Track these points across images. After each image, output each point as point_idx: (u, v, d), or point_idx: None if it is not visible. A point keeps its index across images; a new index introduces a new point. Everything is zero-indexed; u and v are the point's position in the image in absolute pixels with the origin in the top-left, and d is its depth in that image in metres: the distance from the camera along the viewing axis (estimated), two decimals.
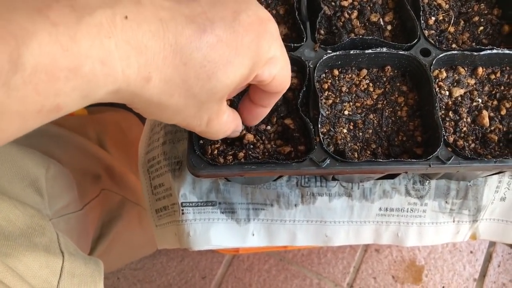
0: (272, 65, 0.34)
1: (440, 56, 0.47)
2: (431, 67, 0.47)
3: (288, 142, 0.45)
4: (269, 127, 0.46)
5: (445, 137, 0.46)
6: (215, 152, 0.44)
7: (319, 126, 0.45)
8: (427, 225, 0.55)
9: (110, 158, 0.84)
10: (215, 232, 0.52)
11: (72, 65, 0.24)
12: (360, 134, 0.46)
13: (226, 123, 0.37)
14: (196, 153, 0.42)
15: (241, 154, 0.44)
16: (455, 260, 0.93)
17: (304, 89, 0.46)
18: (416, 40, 0.48)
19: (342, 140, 0.46)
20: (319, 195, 0.53)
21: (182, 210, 0.52)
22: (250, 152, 0.44)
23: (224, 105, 0.36)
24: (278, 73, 0.34)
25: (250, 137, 0.45)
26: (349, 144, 0.46)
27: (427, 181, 0.54)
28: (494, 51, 0.48)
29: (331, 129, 0.46)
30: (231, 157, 0.44)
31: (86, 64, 0.25)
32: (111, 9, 0.26)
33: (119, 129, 0.92)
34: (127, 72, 0.27)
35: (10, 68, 0.22)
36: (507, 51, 0.48)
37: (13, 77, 0.22)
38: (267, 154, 0.45)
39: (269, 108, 0.41)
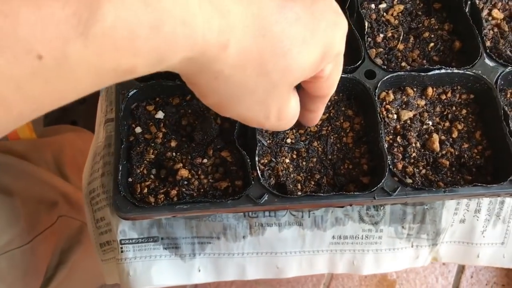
0: (335, 62, 0.33)
1: (386, 78, 0.45)
2: (376, 90, 0.44)
3: (225, 177, 0.42)
4: (205, 160, 0.43)
5: (393, 164, 0.43)
6: (145, 190, 0.41)
7: (259, 157, 0.42)
8: (384, 252, 0.53)
9: (66, 184, 0.81)
10: (157, 270, 0.49)
11: (153, 23, 0.23)
12: (304, 163, 0.44)
13: (296, 111, 0.34)
14: (121, 194, 0.39)
15: (174, 192, 0.41)
16: (427, 272, 0.91)
17: None
18: (360, 62, 0.45)
19: (284, 171, 0.43)
20: (268, 226, 0.50)
21: (121, 247, 0.49)
22: (184, 189, 0.41)
23: (293, 91, 0.33)
24: (334, 72, 0.33)
25: (184, 172, 0.42)
26: (292, 175, 0.43)
27: (382, 207, 0.51)
28: (443, 70, 0.45)
29: (273, 159, 0.43)
30: (162, 195, 0.41)
31: (167, 23, 0.24)
32: None
33: (76, 150, 0.88)
34: (207, 36, 0.25)
35: (89, 17, 0.21)
36: (456, 70, 0.45)
37: (92, 27, 0.21)
38: (202, 190, 0.42)
39: (317, 113, 0.39)
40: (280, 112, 0.33)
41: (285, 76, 0.30)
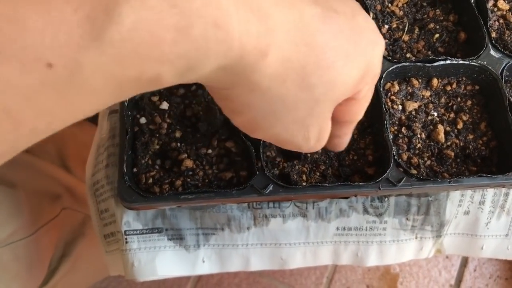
0: (371, 84, 0.30)
1: (391, 68, 0.44)
2: (381, 81, 0.44)
3: (230, 167, 0.42)
4: (210, 151, 0.43)
5: (398, 155, 0.43)
6: (150, 181, 0.41)
7: (263, 148, 0.42)
8: (388, 243, 0.53)
9: (70, 176, 0.81)
10: (161, 261, 0.49)
11: (180, 24, 0.20)
12: (308, 154, 0.44)
13: (326, 132, 0.31)
14: (126, 184, 0.39)
15: (179, 182, 0.41)
16: (430, 266, 0.91)
17: None
18: None
19: (288, 162, 0.43)
20: (272, 217, 0.50)
21: (126, 238, 0.49)
22: (189, 180, 0.41)
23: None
24: (367, 94, 0.31)
25: (188, 163, 0.42)
26: (297, 167, 0.43)
27: (386, 198, 0.51)
28: (448, 61, 0.45)
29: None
30: (167, 185, 0.41)
31: (197, 25, 0.21)
32: None
33: (79, 143, 0.88)
34: (244, 40, 0.23)
35: (105, 19, 0.19)
36: (461, 61, 0.45)
37: (109, 31, 0.19)
38: (207, 180, 0.42)
39: (344, 139, 0.36)
40: (321, 133, 0.30)
41: (329, 92, 0.27)
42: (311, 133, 0.29)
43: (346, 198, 0.49)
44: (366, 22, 0.29)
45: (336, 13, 0.27)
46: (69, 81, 0.19)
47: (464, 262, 0.92)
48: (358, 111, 0.32)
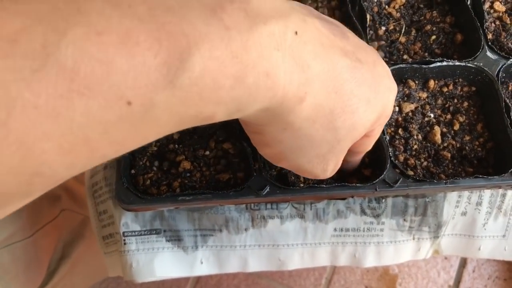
0: (383, 124, 0.34)
1: None
2: None
3: (227, 168, 0.43)
4: (207, 152, 0.43)
5: (395, 156, 0.43)
6: (148, 182, 0.41)
7: None
8: (386, 244, 0.53)
9: (70, 178, 0.81)
10: (160, 262, 0.50)
11: (238, 74, 0.23)
12: None
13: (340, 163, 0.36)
14: (124, 185, 0.39)
15: (176, 184, 0.41)
16: (429, 267, 0.91)
17: None
18: None
19: None
20: (270, 218, 0.50)
21: (124, 240, 0.49)
22: (186, 181, 0.41)
23: None
24: (379, 131, 0.35)
25: (186, 164, 0.42)
26: None
27: (383, 199, 0.51)
28: (445, 63, 0.45)
29: None
30: (165, 187, 0.41)
31: (251, 75, 0.24)
32: (284, 21, 0.26)
33: None
34: (287, 88, 0.26)
35: (179, 66, 0.21)
36: (457, 63, 0.45)
37: (181, 76, 0.22)
38: (204, 182, 0.42)
39: (355, 164, 0.41)
40: (337, 165, 0.34)
41: (351, 133, 0.31)
42: (329, 166, 0.33)
43: (344, 199, 0.50)
44: (384, 69, 0.33)
45: (361, 64, 0.30)
46: (142, 117, 0.22)
47: (463, 263, 0.92)
48: (369, 144, 0.36)
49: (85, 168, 0.22)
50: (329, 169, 0.33)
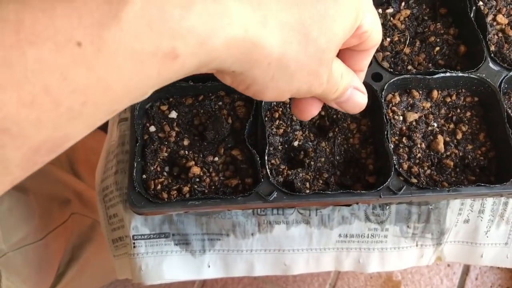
0: (371, 14, 0.32)
1: (393, 80, 0.46)
2: (383, 92, 0.45)
3: (236, 174, 0.44)
4: (216, 159, 0.44)
5: (399, 164, 0.44)
6: (159, 187, 0.43)
7: (268, 157, 0.43)
8: (389, 250, 0.54)
9: (79, 182, 0.82)
10: (168, 266, 0.51)
11: (183, 2, 0.23)
12: (312, 163, 0.45)
13: (337, 70, 0.33)
14: (136, 189, 0.40)
15: (186, 189, 0.42)
16: (432, 274, 0.92)
17: (251, 119, 0.44)
18: None
19: (292, 170, 0.44)
20: (276, 223, 0.52)
21: (134, 243, 0.50)
22: (196, 186, 0.43)
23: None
24: (375, 22, 0.33)
25: (196, 170, 0.43)
26: (301, 174, 0.44)
27: (387, 206, 0.52)
28: (448, 74, 0.46)
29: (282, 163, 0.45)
30: (175, 192, 0.42)
31: (197, 2, 0.24)
32: None
33: (88, 149, 0.90)
34: (241, 11, 0.25)
35: (120, 1, 0.22)
36: (461, 74, 0.46)
37: (124, 9, 0.22)
38: (213, 187, 0.43)
39: (365, 72, 0.38)
40: (330, 75, 0.32)
41: (331, 39, 0.30)
42: (324, 78, 0.32)
43: (348, 205, 0.51)
44: None
45: None
46: (96, 57, 0.22)
47: (466, 270, 0.93)
48: (376, 37, 0.34)
49: (59, 129, 0.22)
50: (325, 80, 0.32)
